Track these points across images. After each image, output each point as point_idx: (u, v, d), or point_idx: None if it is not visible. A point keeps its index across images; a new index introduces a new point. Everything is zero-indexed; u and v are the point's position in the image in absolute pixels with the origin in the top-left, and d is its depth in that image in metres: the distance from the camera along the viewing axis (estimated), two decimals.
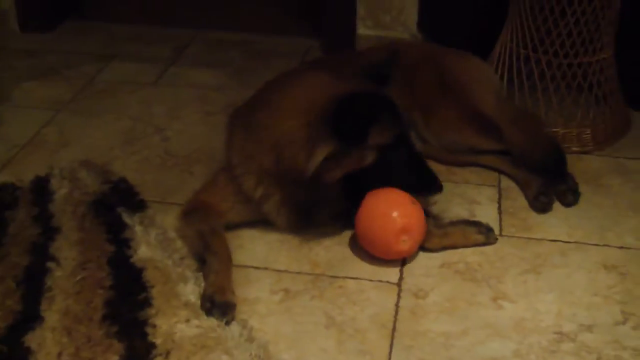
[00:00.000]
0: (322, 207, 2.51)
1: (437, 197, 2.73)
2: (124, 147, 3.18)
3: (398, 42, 3.54)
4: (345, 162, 2.40)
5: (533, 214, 2.78)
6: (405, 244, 2.44)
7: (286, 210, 2.56)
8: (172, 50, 4.09)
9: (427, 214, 2.58)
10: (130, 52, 4.05)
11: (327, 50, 4.00)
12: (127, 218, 2.64)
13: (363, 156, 2.41)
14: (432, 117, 2.97)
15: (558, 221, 2.74)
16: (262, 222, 2.63)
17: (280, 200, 2.53)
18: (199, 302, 2.28)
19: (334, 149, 2.36)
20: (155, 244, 2.53)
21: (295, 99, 2.45)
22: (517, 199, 2.86)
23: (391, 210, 2.44)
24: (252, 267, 2.49)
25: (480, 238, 2.58)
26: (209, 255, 2.40)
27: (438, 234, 2.58)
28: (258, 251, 2.57)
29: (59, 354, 2.11)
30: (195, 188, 2.73)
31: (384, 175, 2.45)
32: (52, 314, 2.23)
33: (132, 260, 2.45)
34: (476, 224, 2.61)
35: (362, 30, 3.92)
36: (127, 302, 2.28)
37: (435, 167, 3.01)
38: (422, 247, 2.58)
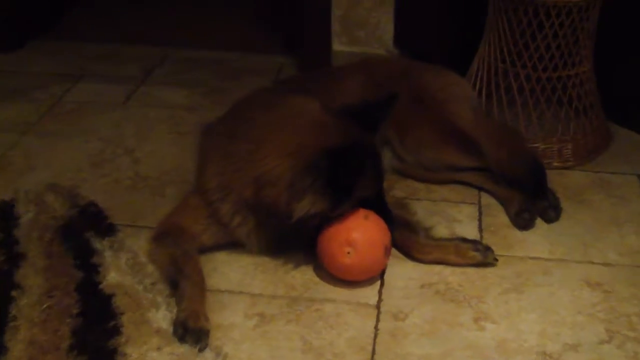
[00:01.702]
0: (297, 238, 2.52)
1: (417, 215, 2.76)
2: (92, 170, 3.16)
3: (370, 58, 3.56)
4: (329, 214, 2.42)
5: (514, 232, 2.79)
6: (349, 257, 2.43)
7: (260, 236, 2.56)
8: (142, 69, 4.09)
9: (409, 224, 2.62)
10: (99, 72, 4.04)
11: (302, 68, 4.02)
12: (96, 243, 2.62)
13: (347, 207, 2.44)
14: (408, 135, 2.98)
15: (540, 238, 2.75)
16: (236, 245, 2.62)
17: (255, 227, 2.54)
18: (171, 329, 2.26)
19: (326, 206, 2.38)
20: (125, 269, 2.51)
21: (281, 135, 2.43)
22: (498, 216, 2.87)
23: (339, 222, 2.45)
24: (226, 291, 2.48)
25: (477, 256, 2.58)
26: (182, 279, 2.38)
27: (429, 245, 2.59)
28: (232, 275, 2.56)
29: None
30: (166, 210, 2.72)
31: None
32: (16, 344, 2.20)
33: (101, 286, 2.43)
34: (472, 242, 2.62)
35: (337, 46, 3.94)
36: (95, 331, 2.26)
37: (413, 185, 3.04)
38: (412, 257, 2.60)
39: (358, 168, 2.39)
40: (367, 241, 2.45)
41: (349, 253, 2.43)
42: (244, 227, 2.54)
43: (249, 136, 2.48)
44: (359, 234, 2.44)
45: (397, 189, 2.98)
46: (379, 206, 2.52)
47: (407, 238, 2.62)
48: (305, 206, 2.36)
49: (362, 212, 2.47)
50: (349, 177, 2.38)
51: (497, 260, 2.59)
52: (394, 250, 2.63)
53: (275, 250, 2.58)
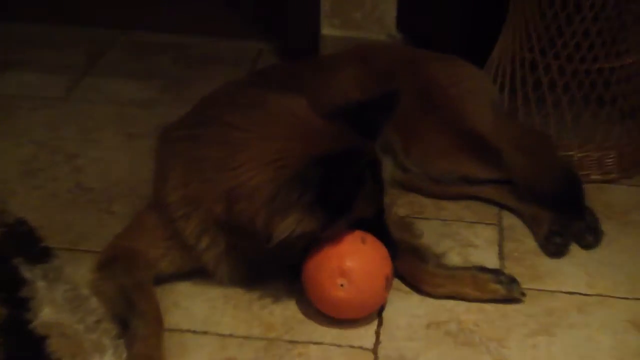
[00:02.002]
0: (277, 264, 2.53)
1: (424, 237, 2.78)
2: (23, 180, 3.17)
3: (367, 45, 3.57)
4: (318, 236, 2.43)
5: (544, 259, 2.81)
6: (342, 291, 2.43)
7: (232, 261, 2.56)
8: (87, 55, 4.09)
9: (416, 249, 2.64)
10: (32, 59, 4.05)
11: (284, 56, 4.04)
12: (25, 271, 2.62)
13: (340, 229, 2.45)
14: (414, 141, 3.01)
15: (575, 268, 2.77)
16: (202, 274, 2.62)
17: (226, 250, 2.54)
18: None
19: (315, 226, 2.38)
20: (62, 304, 2.51)
21: (259, 140, 2.43)
22: (523, 241, 2.89)
23: (330, 245, 2.46)
24: (189, 331, 2.48)
25: (499, 290, 2.59)
26: (134, 317, 2.38)
27: (441, 275, 2.61)
28: (197, 310, 2.56)
29: None
30: (115, 231, 2.71)
31: None
32: None
33: (31, 326, 2.42)
34: (493, 272, 2.63)
35: (327, 30, 3.96)
36: None
37: (419, 201, 3.06)
38: (419, 290, 2.61)
39: (355, 180, 2.40)
40: (365, 271, 2.46)
41: (342, 285, 2.44)
42: (212, 251, 2.54)
43: (220, 141, 2.49)
44: (354, 262, 2.45)
45: (399, 206, 3.00)
46: (379, 228, 2.54)
47: (413, 266, 2.64)
48: (289, 226, 2.37)
49: (358, 235, 2.48)
50: (344, 191, 2.38)
51: (524, 294, 2.60)
52: (396, 282, 2.64)
53: (251, 279, 2.59)
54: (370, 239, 2.49)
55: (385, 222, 2.58)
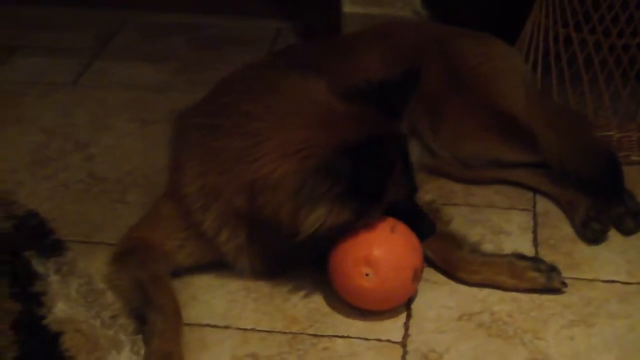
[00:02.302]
0: (303, 255, 2.54)
1: (453, 225, 2.79)
2: (33, 170, 3.19)
3: (391, 22, 3.56)
4: (352, 226, 2.45)
5: (581, 246, 2.81)
6: (367, 280, 2.45)
7: (254, 253, 2.58)
8: (96, 38, 4.12)
9: (451, 235, 2.67)
10: (40, 42, 4.08)
11: (304, 36, 4.04)
12: (38, 265, 2.64)
13: (374, 217, 2.47)
14: (442, 122, 3.01)
15: (614, 255, 2.78)
16: (222, 266, 2.64)
17: (247, 242, 2.56)
18: None
19: (349, 215, 2.40)
20: (77, 298, 2.53)
21: (282, 129, 2.45)
22: (559, 227, 2.90)
23: (357, 234, 2.47)
24: (209, 325, 2.50)
25: (538, 278, 2.60)
26: (151, 311, 2.40)
27: (477, 262, 2.62)
28: (216, 304, 2.58)
29: None
30: (130, 222, 2.74)
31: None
32: None
33: (45, 321, 2.44)
34: (532, 259, 2.64)
35: (348, 7, 3.96)
36: None
37: (448, 186, 3.07)
38: (454, 277, 2.63)
39: (386, 167, 2.42)
40: (392, 261, 2.48)
41: (367, 275, 2.45)
42: (232, 242, 2.56)
43: (241, 130, 2.50)
44: (382, 252, 2.47)
45: (427, 191, 2.96)
46: (412, 208, 2.56)
47: (447, 252, 2.66)
48: (318, 219, 2.39)
49: (388, 223, 2.49)
50: (376, 179, 2.40)
51: (565, 284, 2.60)
52: (425, 272, 2.65)
53: (273, 271, 2.61)
54: (401, 228, 2.50)
55: (419, 205, 2.60)
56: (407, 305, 2.57)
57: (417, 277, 2.51)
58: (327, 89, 2.53)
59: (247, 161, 2.44)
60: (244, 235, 2.54)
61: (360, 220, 2.43)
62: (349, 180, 2.34)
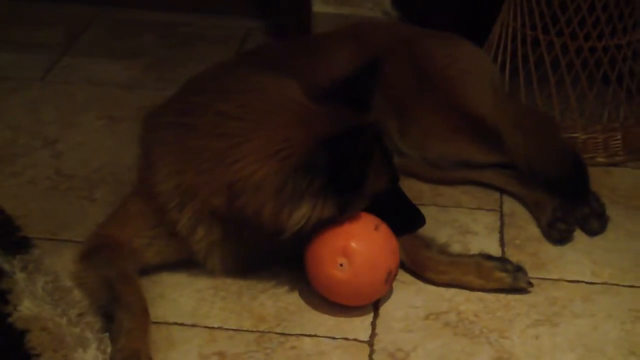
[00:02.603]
0: (280, 251, 2.55)
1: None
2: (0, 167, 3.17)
3: (361, 23, 3.56)
4: (336, 219, 2.46)
5: (547, 247, 2.84)
6: (340, 271, 2.46)
7: (225, 251, 2.58)
8: (66, 34, 4.10)
9: (419, 237, 2.67)
10: (8, 38, 4.06)
11: (275, 34, 4.04)
12: (4, 262, 2.62)
13: (356, 209, 2.48)
14: (410, 122, 3.03)
15: (580, 256, 2.80)
16: (189, 263, 2.64)
17: (220, 240, 2.56)
18: None
19: (332, 211, 2.42)
20: (43, 296, 2.52)
21: (261, 131, 2.45)
22: (526, 227, 2.92)
23: (338, 226, 2.48)
24: (176, 323, 2.50)
25: (505, 278, 2.61)
26: (118, 309, 2.39)
27: (445, 262, 2.63)
28: (184, 302, 2.58)
29: None
30: (98, 219, 2.73)
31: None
32: None
33: (10, 319, 2.42)
34: (499, 260, 2.66)
35: (319, 6, 3.97)
36: None
37: (416, 186, 3.09)
38: (422, 278, 2.64)
39: (364, 156, 2.42)
40: (368, 257, 2.48)
41: (341, 265, 2.46)
42: (205, 241, 2.57)
43: (218, 130, 2.50)
44: (360, 246, 2.47)
45: None
46: (397, 197, 2.57)
47: (416, 252, 2.67)
48: (303, 215, 2.40)
49: (373, 221, 2.50)
50: (355, 170, 2.41)
51: (531, 284, 2.62)
52: None
53: (245, 269, 2.61)
54: (384, 228, 2.51)
55: (405, 195, 2.62)
56: (375, 304, 2.57)
57: (390, 279, 2.52)
58: (298, 89, 2.54)
59: (227, 163, 2.44)
60: (219, 233, 2.55)
61: (344, 213, 2.44)
62: (328, 174, 2.36)
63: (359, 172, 2.42)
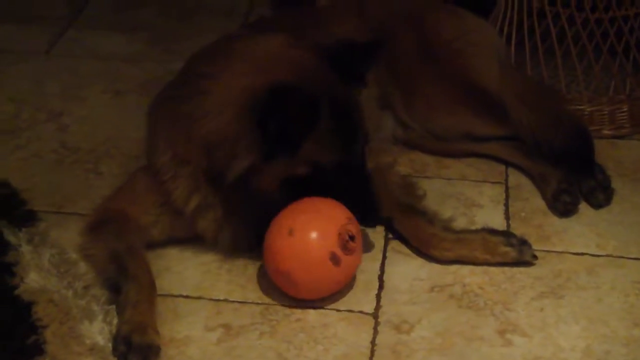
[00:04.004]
0: (261, 214, 2.54)
1: (426, 198, 2.81)
2: (4, 140, 3.19)
3: None
4: (270, 171, 2.44)
5: (552, 219, 2.85)
6: (289, 287, 2.47)
7: (230, 228, 2.60)
8: (69, 7, 4.10)
9: (423, 212, 2.68)
10: (12, 11, 4.06)
11: (278, 6, 4.03)
12: (9, 235, 2.64)
13: (292, 165, 2.45)
14: (415, 96, 3.04)
15: (584, 228, 2.81)
16: (195, 238, 2.65)
17: (222, 215, 2.58)
18: (109, 346, 2.30)
19: (256, 158, 2.41)
20: (49, 269, 2.53)
21: (228, 79, 2.47)
22: (531, 200, 2.93)
23: (269, 246, 2.48)
24: (182, 296, 2.52)
25: (510, 252, 2.63)
26: (125, 281, 2.42)
27: (449, 239, 2.64)
28: (189, 275, 2.60)
29: None
30: (103, 193, 2.76)
31: (316, 191, 2.48)
32: None
33: (17, 291, 2.44)
34: (504, 234, 2.67)
35: None
36: (10, 349, 2.27)
37: (421, 159, 3.10)
38: (426, 254, 2.65)
39: (306, 116, 2.39)
40: (301, 264, 2.43)
41: (286, 282, 2.46)
42: (206, 215, 2.58)
43: (194, 94, 2.52)
44: (288, 263, 2.43)
45: (400, 164, 3.03)
46: (354, 182, 2.53)
47: (420, 229, 2.68)
48: (240, 160, 2.40)
49: (286, 226, 2.44)
50: (287, 124, 2.37)
51: (536, 257, 2.64)
52: (396, 244, 2.70)
53: (249, 245, 2.61)
54: (300, 225, 2.44)
55: (366, 179, 2.56)
56: (379, 277, 2.59)
57: (337, 258, 2.43)
58: (285, 39, 2.55)
59: (198, 119, 2.47)
60: (218, 207, 2.56)
61: (269, 163, 2.41)
62: (259, 118, 2.36)
63: (291, 129, 2.38)
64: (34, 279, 2.48)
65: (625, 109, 3.27)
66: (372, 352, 2.35)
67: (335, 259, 2.42)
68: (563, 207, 2.86)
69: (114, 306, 2.41)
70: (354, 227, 2.46)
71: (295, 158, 2.43)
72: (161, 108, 2.66)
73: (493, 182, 3.01)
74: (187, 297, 2.52)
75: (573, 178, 2.90)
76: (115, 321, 2.37)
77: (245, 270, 2.61)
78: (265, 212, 2.48)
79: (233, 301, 2.51)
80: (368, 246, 2.69)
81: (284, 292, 2.51)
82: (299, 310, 2.48)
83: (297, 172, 2.45)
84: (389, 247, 2.71)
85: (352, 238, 2.44)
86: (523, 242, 2.64)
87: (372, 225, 2.63)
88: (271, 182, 2.45)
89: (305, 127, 2.40)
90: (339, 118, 2.47)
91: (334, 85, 2.48)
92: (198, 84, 2.52)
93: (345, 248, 2.43)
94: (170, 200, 2.58)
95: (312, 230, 2.43)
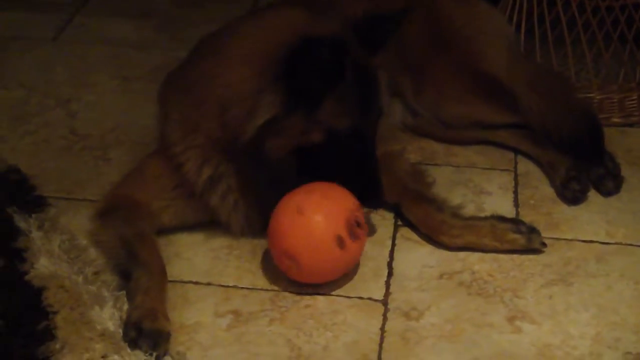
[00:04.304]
0: (276, 185, 2.53)
1: (435, 185, 2.82)
2: (14, 126, 3.20)
3: None
4: (287, 131, 2.44)
5: (561, 207, 2.85)
6: (294, 270, 2.47)
7: (243, 205, 2.60)
8: None
9: (432, 199, 2.69)
10: None
11: None
12: (20, 221, 2.64)
13: (308, 130, 2.45)
14: (425, 82, 3.04)
15: (594, 216, 2.82)
16: (204, 223, 2.67)
17: (236, 189, 2.58)
18: (120, 332, 2.31)
19: (277, 112, 2.41)
20: (59, 254, 2.54)
21: (251, 39, 2.49)
22: (540, 187, 2.94)
23: (278, 227, 2.47)
24: (192, 282, 2.53)
25: (519, 240, 2.63)
26: (135, 268, 2.43)
27: (458, 226, 2.65)
28: (199, 261, 2.61)
29: None
30: (112, 179, 2.78)
31: (326, 163, 2.48)
32: None
33: (27, 277, 2.45)
34: (512, 221, 2.67)
35: None
36: (21, 335, 2.28)
37: (430, 146, 3.10)
38: (435, 241, 2.66)
39: (333, 69, 2.39)
40: (308, 246, 2.44)
41: (291, 267, 2.46)
42: (218, 188, 2.58)
43: (211, 55, 2.54)
44: (294, 242, 2.43)
45: (409, 152, 3.04)
46: (361, 156, 2.53)
47: (429, 216, 2.68)
48: (260, 113, 2.40)
49: (294, 205, 2.45)
50: (315, 73, 2.38)
51: (545, 245, 2.64)
52: (405, 232, 2.71)
53: (258, 224, 2.61)
54: (308, 205, 2.45)
55: (373, 156, 2.56)
56: (389, 263, 2.60)
57: (343, 242, 2.43)
58: (303, 10, 2.56)
59: (214, 77, 2.48)
60: (231, 178, 2.56)
61: (288, 115, 2.41)
62: (283, 70, 2.37)
63: (312, 83, 2.39)
64: (44, 264, 2.49)
65: (634, 97, 3.27)
66: (382, 338, 2.36)
67: (341, 242, 2.42)
68: (572, 195, 2.86)
69: (124, 292, 2.42)
70: (361, 215, 2.47)
71: (313, 119, 2.42)
72: (172, 83, 2.68)
73: (502, 170, 3.02)
74: (196, 283, 2.53)
75: (582, 166, 2.91)
76: (125, 307, 2.37)
77: (254, 257, 2.62)
78: (277, 187, 2.49)
79: (242, 287, 2.52)
80: (371, 230, 2.68)
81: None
82: (308, 297, 2.49)
83: (312, 138, 2.45)
84: (398, 234, 2.72)
85: (359, 224, 2.44)
86: (532, 230, 2.64)
87: (375, 206, 2.64)
88: (285, 146, 2.45)
89: (330, 81, 2.41)
90: (360, 84, 2.48)
91: (357, 52, 2.48)
92: (217, 45, 2.54)
93: (352, 233, 2.43)
94: (181, 175, 2.58)
95: (320, 211, 2.45)
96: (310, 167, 2.48)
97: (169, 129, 2.61)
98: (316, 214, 2.45)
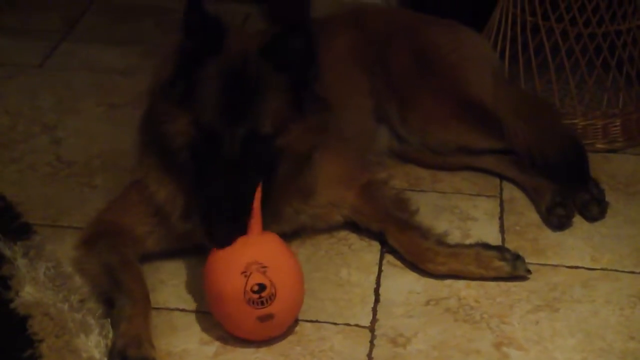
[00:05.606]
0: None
1: (420, 212, 2.80)
2: None
3: (362, 8, 3.57)
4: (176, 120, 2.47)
5: (547, 233, 2.85)
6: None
7: (182, 198, 2.58)
8: (63, 20, 4.09)
9: (417, 227, 2.68)
10: (6, 24, 4.05)
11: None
12: (5, 248, 2.63)
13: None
14: (411, 109, 3.04)
15: (579, 242, 2.82)
16: (190, 250, 2.65)
17: (175, 189, 2.57)
18: None
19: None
20: (45, 282, 2.53)
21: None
22: (525, 213, 2.94)
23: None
24: (178, 309, 2.52)
25: (504, 267, 2.63)
26: (120, 295, 2.42)
27: (443, 253, 2.64)
28: (185, 288, 2.60)
29: None
30: (98, 206, 2.75)
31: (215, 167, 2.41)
32: None
33: (12, 305, 2.44)
34: (497, 249, 2.67)
35: None
36: None
37: (416, 172, 3.11)
38: (420, 268, 2.65)
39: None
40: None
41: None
42: (177, 208, 2.57)
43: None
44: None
45: (396, 178, 3.03)
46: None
47: (414, 244, 2.68)
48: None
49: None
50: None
51: (529, 272, 2.64)
52: (392, 258, 2.70)
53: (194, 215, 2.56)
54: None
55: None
56: (375, 290, 2.60)
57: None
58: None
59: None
60: (170, 178, 2.56)
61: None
62: None
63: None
64: (29, 292, 2.48)
65: (618, 123, 3.28)
66: None
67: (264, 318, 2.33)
68: (557, 221, 2.86)
69: (109, 320, 2.40)
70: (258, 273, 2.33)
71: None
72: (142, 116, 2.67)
73: (488, 196, 3.02)
74: (183, 310, 2.51)
75: (567, 191, 2.91)
76: (111, 335, 2.36)
77: None
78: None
79: None
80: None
81: None
82: (294, 324, 2.46)
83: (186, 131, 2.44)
84: (384, 261, 2.72)
85: (261, 288, 2.32)
86: (517, 257, 2.64)
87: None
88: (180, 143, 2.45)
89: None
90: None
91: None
92: None
93: (258, 303, 2.31)
94: (155, 202, 2.59)
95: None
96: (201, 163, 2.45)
97: (142, 158, 2.62)
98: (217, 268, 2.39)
